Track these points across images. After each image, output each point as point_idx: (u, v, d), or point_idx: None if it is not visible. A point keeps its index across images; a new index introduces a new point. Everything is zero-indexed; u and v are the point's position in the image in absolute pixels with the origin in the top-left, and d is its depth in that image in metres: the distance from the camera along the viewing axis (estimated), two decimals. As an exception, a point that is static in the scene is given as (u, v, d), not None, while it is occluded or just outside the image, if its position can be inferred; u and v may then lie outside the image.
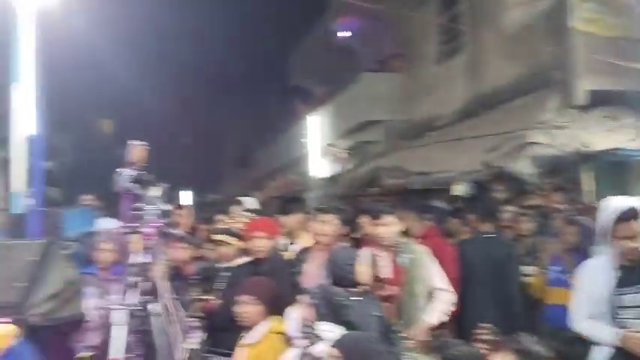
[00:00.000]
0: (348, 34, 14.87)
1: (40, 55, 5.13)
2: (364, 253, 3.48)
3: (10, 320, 3.49)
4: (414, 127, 11.70)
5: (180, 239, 4.59)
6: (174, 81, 20.22)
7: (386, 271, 3.83)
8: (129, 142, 3.49)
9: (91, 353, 4.07)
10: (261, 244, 4.22)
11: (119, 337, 3.22)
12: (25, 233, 5.08)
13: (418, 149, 10.38)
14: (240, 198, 6.15)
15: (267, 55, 19.58)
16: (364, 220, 4.49)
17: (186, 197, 16.01)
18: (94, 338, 4.10)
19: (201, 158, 26.61)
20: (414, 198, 7.56)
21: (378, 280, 3.61)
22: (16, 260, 4.08)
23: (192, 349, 3.70)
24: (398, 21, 12.32)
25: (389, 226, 3.97)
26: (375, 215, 4.05)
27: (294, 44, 19.04)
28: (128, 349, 3.22)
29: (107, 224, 5.47)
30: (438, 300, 3.97)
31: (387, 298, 3.71)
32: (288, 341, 3.39)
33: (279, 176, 17.82)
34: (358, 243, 4.48)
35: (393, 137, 12.39)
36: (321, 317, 3.14)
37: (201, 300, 4.28)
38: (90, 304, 4.23)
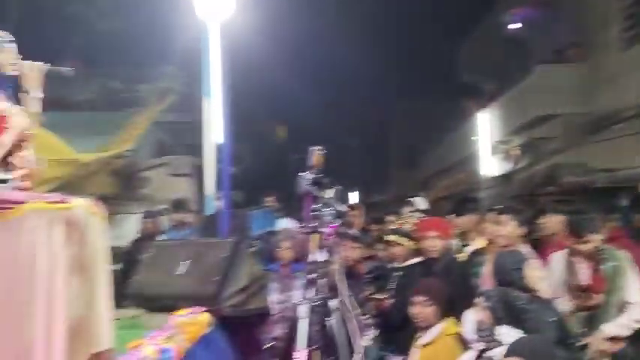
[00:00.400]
0: (520, 25, 14.14)
1: (226, 68, 5.60)
2: (532, 258, 3.33)
3: (206, 310, 3.88)
4: (596, 120, 10.79)
5: (355, 239, 4.74)
6: (342, 85, 20.86)
7: (585, 279, 3.61)
8: (310, 147, 3.70)
9: (276, 344, 4.37)
10: (434, 244, 4.21)
11: (304, 330, 3.43)
12: (217, 232, 5.60)
13: (602, 144, 9.57)
14: (410, 198, 6.17)
15: (435, 54, 19.37)
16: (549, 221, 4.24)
17: (353, 198, 16.43)
18: (278, 330, 4.41)
19: (367, 159, 27.12)
20: (598, 197, 6.99)
21: (579, 289, 3.43)
22: (211, 257, 4.54)
23: (366, 346, 3.81)
24: (575, 7, 11.49)
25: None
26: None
27: (462, 41, 18.61)
28: (311, 342, 3.42)
29: (286, 224, 5.85)
30: (628, 313, 3.63)
31: (590, 308, 3.50)
32: (463, 343, 3.36)
33: (447, 176, 17.53)
34: (538, 244, 4.27)
35: (571, 132, 11.53)
36: (498, 321, 3.07)
37: (374, 299, 4.38)
38: (273, 298, 4.55)
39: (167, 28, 8.05)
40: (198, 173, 10.27)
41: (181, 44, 7.69)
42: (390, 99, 23.42)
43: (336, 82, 20.46)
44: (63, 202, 2.50)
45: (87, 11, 9.15)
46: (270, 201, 6.82)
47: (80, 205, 2.67)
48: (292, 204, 5.91)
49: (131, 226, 7.31)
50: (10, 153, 2.59)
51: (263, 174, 14.49)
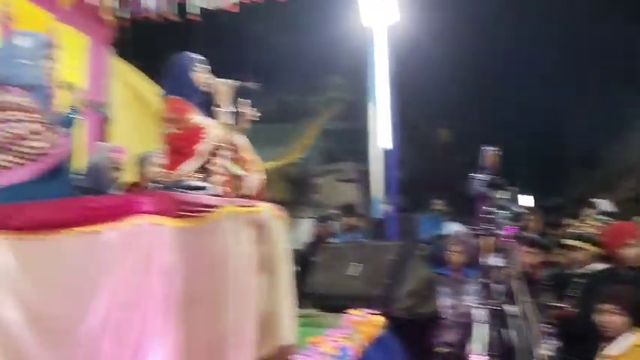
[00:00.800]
0: None
1: (392, 73, 5.67)
2: None
3: (379, 312, 3.97)
4: None
5: (534, 243, 4.53)
6: (510, 83, 19.95)
7: None
8: (482, 147, 3.63)
9: (447, 349, 4.33)
10: (628, 250, 3.89)
11: (481, 335, 3.37)
12: (385, 236, 5.70)
13: None
14: (593, 200, 5.73)
15: (617, 45, 17.75)
16: None
17: (527, 201, 15.55)
18: (450, 335, 4.36)
19: (538, 160, 25.55)
20: None
21: None
22: (381, 259, 4.64)
23: (548, 356, 3.62)
24: None
25: None
26: None
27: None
28: (488, 347, 3.35)
29: (455, 228, 5.77)
30: None
31: None
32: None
33: (633, 175, 15.93)
34: None
35: None
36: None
37: (555, 307, 4.15)
38: (445, 302, 4.51)
39: (333, 38, 8.36)
40: (365, 178, 10.54)
41: (347, 53, 7.94)
42: (565, 95, 21.86)
43: (503, 81, 19.60)
44: (252, 206, 2.75)
45: (262, 28, 9.84)
46: (438, 204, 6.76)
47: (266, 208, 2.91)
48: (460, 207, 5.80)
49: (304, 230, 7.70)
50: (207, 162, 2.91)
51: (429, 177, 14.36)
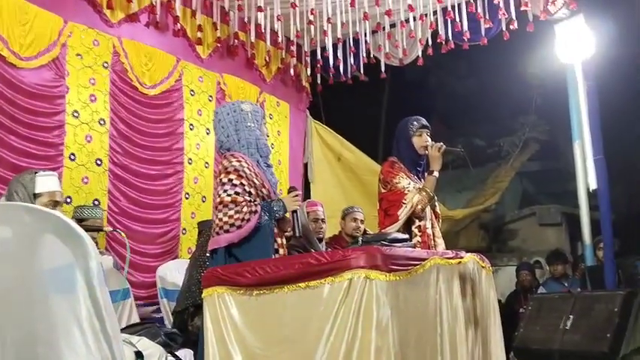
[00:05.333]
0: None
1: (593, 109, 5.29)
2: None
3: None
4: None
5: None
6: None
7: None
8: None
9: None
10: None
11: None
12: (600, 284, 5.18)
13: None
14: None
15: None
16: None
17: None
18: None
19: None
20: None
21: None
22: (599, 310, 4.21)
23: None
24: None
25: None
26: None
27: None
28: None
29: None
30: None
31: None
32: None
33: None
34: None
35: None
36: None
37: None
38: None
39: (523, 78, 8.09)
40: (568, 221, 9.77)
41: (540, 91, 7.62)
42: None
43: None
44: (457, 257, 2.72)
45: (447, 77, 9.89)
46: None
47: (471, 259, 2.86)
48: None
49: (502, 279, 7.32)
50: (412, 222, 3.08)
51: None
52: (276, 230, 2.72)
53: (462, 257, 2.78)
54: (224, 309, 2.37)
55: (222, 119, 2.87)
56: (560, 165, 8.79)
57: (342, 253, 2.20)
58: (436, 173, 3.24)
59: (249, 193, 2.66)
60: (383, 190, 3.27)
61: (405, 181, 3.23)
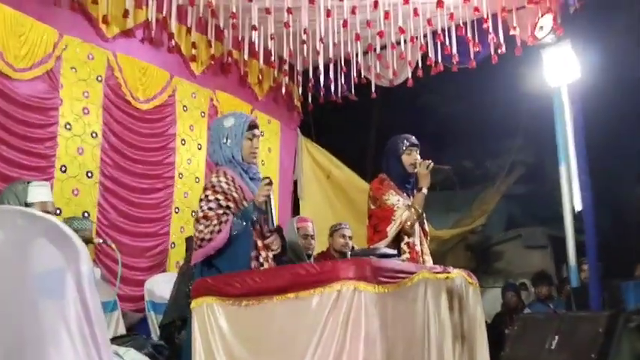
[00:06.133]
0: None
1: (578, 131, 5.38)
2: None
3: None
4: None
5: None
6: None
7: None
8: None
9: None
10: None
11: None
12: (585, 305, 5.22)
13: None
14: None
15: None
16: None
17: None
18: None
19: None
20: None
21: None
22: (584, 332, 4.25)
23: None
24: None
25: None
26: None
27: None
28: None
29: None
30: None
31: None
32: None
33: None
34: None
35: None
36: None
37: None
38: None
39: (510, 101, 8.19)
40: (553, 244, 9.84)
41: (525, 114, 7.71)
42: None
43: None
44: (445, 272, 2.76)
45: (435, 99, 10.02)
46: (643, 270, 6.07)
47: (458, 274, 2.90)
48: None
49: (488, 301, 7.35)
50: (401, 239, 3.12)
51: (629, 240, 12.98)
52: (255, 235, 2.74)
53: (449, 272, 2.82)
54: (212, 319, 2.38)
55: (212, 134, 2.97)
56: (546, 188, 8.89)
57: (331, 264, 2.24)
58: (425, 190, 3.28)
59: (227, 207, 2.70)
60: (372, 207, 3.32)
61: (394, 198, 3.28)
